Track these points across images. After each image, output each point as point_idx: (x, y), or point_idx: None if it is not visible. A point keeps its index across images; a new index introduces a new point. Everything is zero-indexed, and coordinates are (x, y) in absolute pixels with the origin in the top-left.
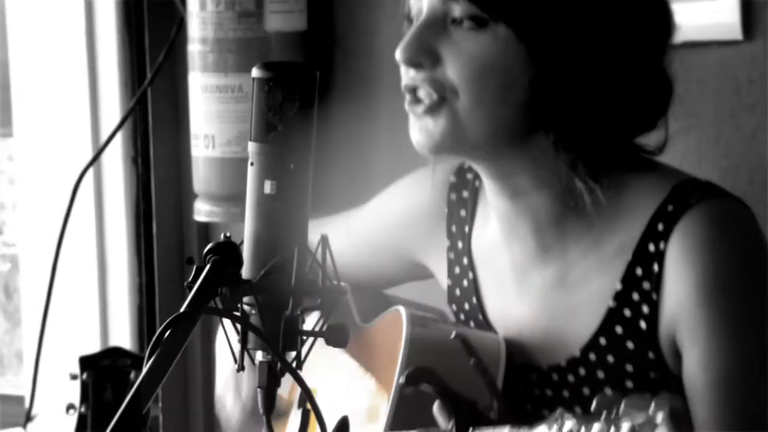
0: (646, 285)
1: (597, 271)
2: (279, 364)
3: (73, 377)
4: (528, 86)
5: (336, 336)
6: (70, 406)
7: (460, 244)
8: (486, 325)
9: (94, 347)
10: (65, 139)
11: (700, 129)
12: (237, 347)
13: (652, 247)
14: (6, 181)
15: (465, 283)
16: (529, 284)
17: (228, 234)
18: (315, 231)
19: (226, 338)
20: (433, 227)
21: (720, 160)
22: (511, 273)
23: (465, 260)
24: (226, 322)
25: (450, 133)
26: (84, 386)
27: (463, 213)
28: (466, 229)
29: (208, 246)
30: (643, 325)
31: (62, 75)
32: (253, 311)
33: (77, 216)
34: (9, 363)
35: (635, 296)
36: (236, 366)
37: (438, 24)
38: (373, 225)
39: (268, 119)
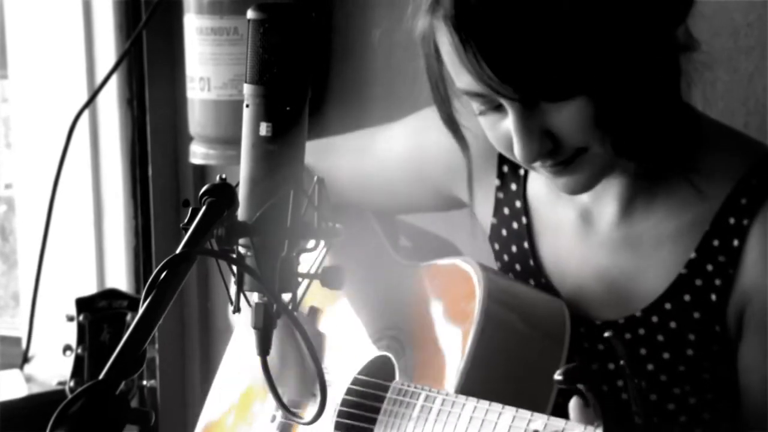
0: (722, 258)
1: (672, 238)
2: (275, 306)
3: (70, 319)
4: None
5: (332, 278)
6: (67, 348)
7: (513, 186)
8: (537, 272)
9: (90, 289)
10: (60, 81)
11: (696, 72)
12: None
13: (732, 221)
14: (1, 123)
15: (515, 225)
16: (599, 240)
17: (224, 176)
18: (333, 149)
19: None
20: (481, 164)
21: (716, 103)
22: (577, 225)
23: (518, 203)
24: (222, 263)
25: (598, 175)
26: (80, 328)
27: None
28: (522, 171)
29: (204, 188)
30: (713, 297)
31: (57, 17)
32: (249, 253)
33: (73, 158)
34: (6, 304)
35: (709, 267)
36: (233, 308)
37: (531, 108)
38: (407, 150)
39: (263, 61)
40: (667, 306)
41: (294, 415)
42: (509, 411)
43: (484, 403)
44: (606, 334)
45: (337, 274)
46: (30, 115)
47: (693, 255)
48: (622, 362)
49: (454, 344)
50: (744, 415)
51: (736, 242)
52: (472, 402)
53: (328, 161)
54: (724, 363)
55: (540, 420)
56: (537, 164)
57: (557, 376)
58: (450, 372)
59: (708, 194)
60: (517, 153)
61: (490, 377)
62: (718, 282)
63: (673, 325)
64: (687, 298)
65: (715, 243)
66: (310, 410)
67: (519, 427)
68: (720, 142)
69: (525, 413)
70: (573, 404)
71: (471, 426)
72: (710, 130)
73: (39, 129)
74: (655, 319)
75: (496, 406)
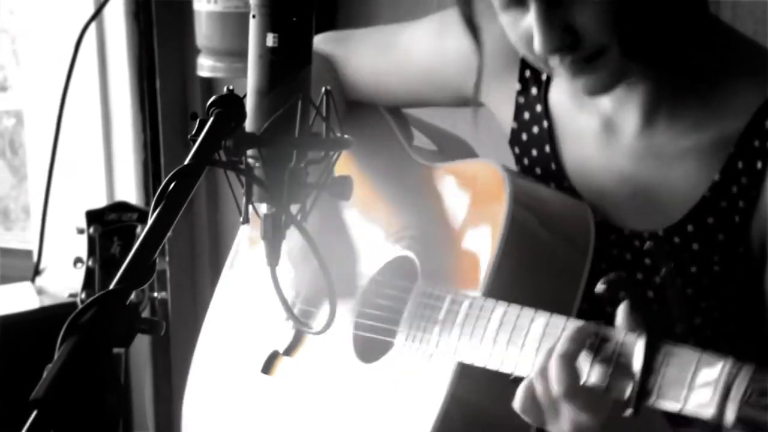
0: (745, 180)
1: (695, 154)
2: (283, 217)
3: (80, 231)
4: None
5: (340, 188)
6: (78, 260)
7: (534, 91)
8: (560, 175)
9: (100, 202)
10: None
11: None
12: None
13: (757, 143)
14: (8, 37)
15: (536, 130)
16: (621, 148)
17: (231, 87)
18: (352, 40)
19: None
20: (502, 68)
21: (725, 12)
22: (599, 133)
23: (539, 107)
24: (231, 174)
25: (618, 76)
26: (91, 240)
27: None
28: (543, 76)
29: (211, 99)
30: (737, 219)
31: None
32: (258, 164)
33: (80, 72)
34: (16, 218)
35: (734, 189)
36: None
37: (553, 4)
38: (427, 51)
39: None
40: (690, 228)
41: (304, 324)
42: (542, 316)
43: (515, 308)
44: (647, 246)
45: (345, 184)
46: (37, 29)
47: (717, 177)
48: (664, 270)
49: (480, 246)
50: None
51: (759, 164)
52: (501, 306)
53: (347, 50)
54: (748, 279)
55: (574, 325)
56: (556, 61)
57: (600, 285)
58: (476, 274)
59: (732, 114)
60: (537, 45)
61: (516, 280)
62: (741, 204)
63: (695, 246)
64: (711, 220)
65: (740, 165)
66: (322, 314)
67: (552, 335)
68: (745, 62)
69: (559, 319)
70: (621, 309)
71: (501, 331)
72: (737, 50)
73: (46, 42)
74: (677, 240)
75: (528, 311)
